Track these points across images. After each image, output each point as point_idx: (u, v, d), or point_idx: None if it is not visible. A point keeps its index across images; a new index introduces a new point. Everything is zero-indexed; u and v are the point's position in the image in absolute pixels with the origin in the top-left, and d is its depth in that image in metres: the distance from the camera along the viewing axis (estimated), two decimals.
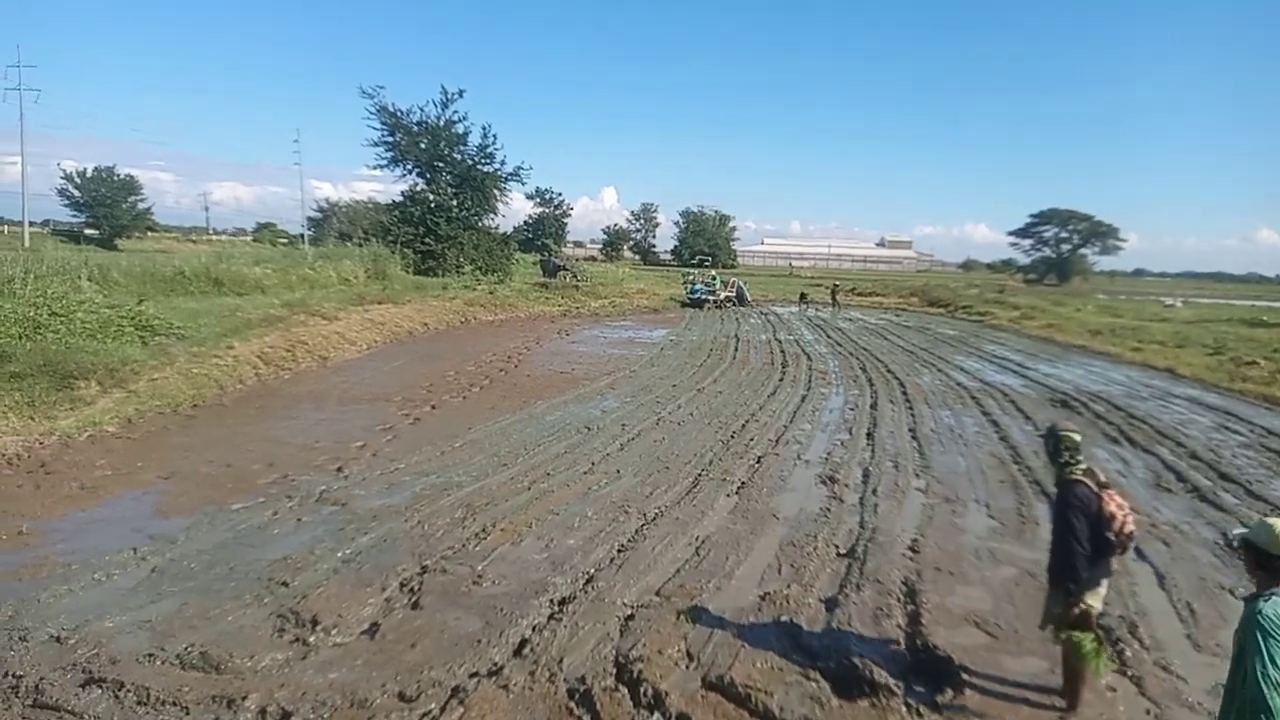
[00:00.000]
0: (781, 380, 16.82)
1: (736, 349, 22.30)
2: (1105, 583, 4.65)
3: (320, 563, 6.50)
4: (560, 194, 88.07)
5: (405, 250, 34.67)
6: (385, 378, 15.91)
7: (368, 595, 5.93)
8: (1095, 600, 4.59)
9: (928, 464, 10.37)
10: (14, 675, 4.66)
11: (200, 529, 7.25)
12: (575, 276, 40.79)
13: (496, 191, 39.78)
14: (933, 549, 7.33)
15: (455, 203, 38.06)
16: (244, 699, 4.50)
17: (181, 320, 15.88)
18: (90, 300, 15.35)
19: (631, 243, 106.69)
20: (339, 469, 9.32)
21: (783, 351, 21.88)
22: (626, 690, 4.73)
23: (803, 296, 42.37)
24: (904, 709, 4.65)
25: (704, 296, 38.60)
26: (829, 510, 8.38)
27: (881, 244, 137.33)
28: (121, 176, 75.71)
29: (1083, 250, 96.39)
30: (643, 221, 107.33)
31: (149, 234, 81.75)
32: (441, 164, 38.07)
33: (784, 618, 5.79)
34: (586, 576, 6.40)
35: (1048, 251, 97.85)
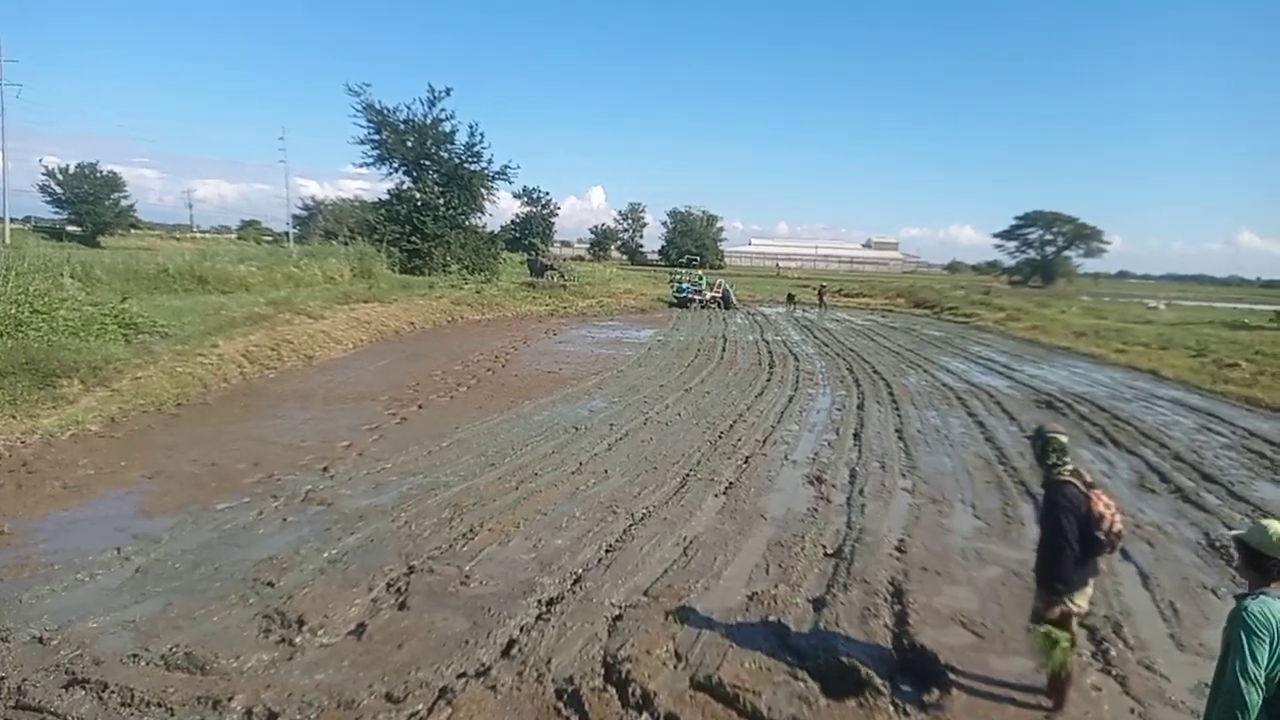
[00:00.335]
0: (769, 381, 16.86)
1: (724, 349, 22.33)
2: (1092, 582, 4.69)
3: (306, 563, 6.46)
4: (548, 193, 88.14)
5: (391, 249, 34.56)
6: (371, 377, 15.83)
7: (354, 596, 5.90)
8: (1082, 600, 4.63)
9: (914, 464, 10.42)
10: None
11: (185, 528, 7.19)
12: (563, 276, 40.70)
13: (484, 190, 39.73)
14: (919, 549, 7.36)
15: (442, 201, 37.96)
16: (230, 700, 4.47)
17: (165, 318, 15.76)
18: (73, 298, 15.19)
19: (619, 242, 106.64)
20: (325, 469, 9.26)
21: (770, 352, 21.93)
22: (614, 690, 4.72)
23: (790, 297, 42.47)
24: (891, 708, 4.67)
25: (690, 296, 38.76)
26: (816, 510, 8.40)
27: (868, 245, 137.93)
28: (104, 173, 74.87)
29: (1067, 252, 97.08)
30: (630, 221, 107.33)
31: (132, 231, 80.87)
32: (428, 162, 37.99)
33: (772, 618, 5.80)
34: (574, 577, 6.39)
35: (1033, 253, 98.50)
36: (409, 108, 37.54)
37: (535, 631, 5.40)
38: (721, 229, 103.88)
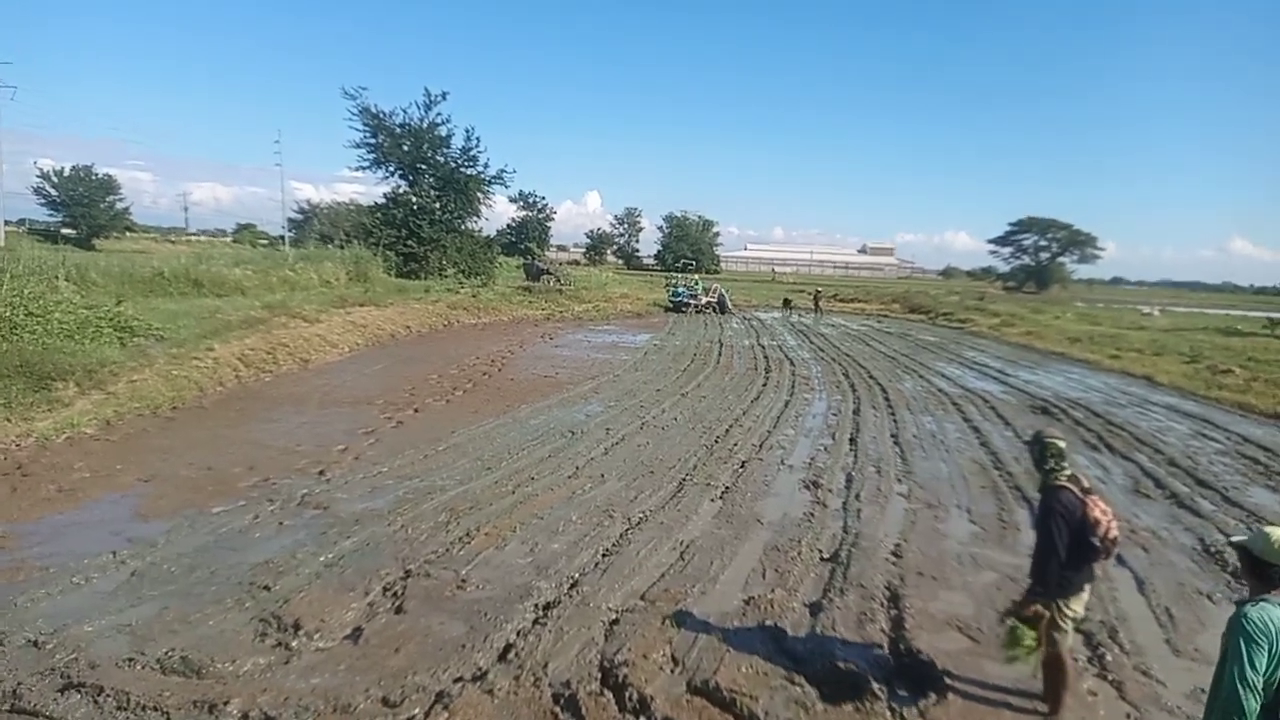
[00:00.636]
0: (765, 385, 16.87)
1: (720, 354, 22.35)
2: (1088, 588, 4.70)
3: (302, 567, 6.45)
4: (544, 198, 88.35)
5: (387, 253, 34.48)
6: (367, 381, 15.81)
7: (350, 599, 5.89)
8: (1078, 605, 4.64)
9: (910, 469, 10.43)
10: None
11: (180, 532, 7.17)
12: (559, 280, 40.68)
13: (480, 194, 39.62)
14: (915, 554, 7.38)
15: (438, 205, 37.90)
16: (226, 704, 4.46)
17: (160, 321, 15.71)
18: (67, 300, 15.13)
19: (615, 247, 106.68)
20: (321, 472, 9.25)
21: (766, 357, 21.95)
22: (611, 695, 4.72)
23: (786, 302, 42.56)
24: (888, 713, 4.68)
25: (686, 301, 38.83)
26: (812, 515, 8.41)
27: (863, 251, 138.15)
28: (99, 176, 74.66)
29: (1061, 258, 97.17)
30: (626, 226, 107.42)
31: (127, 234, 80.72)
32: (424, 166, 37.91)
33: (768, 622, 5.80)
34: (571, 581, 6.39)
35: (1027, 259, 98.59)
36: (405, 111, 37.49)
37: (532, 636, 5.40)
38: (717, 234, 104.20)
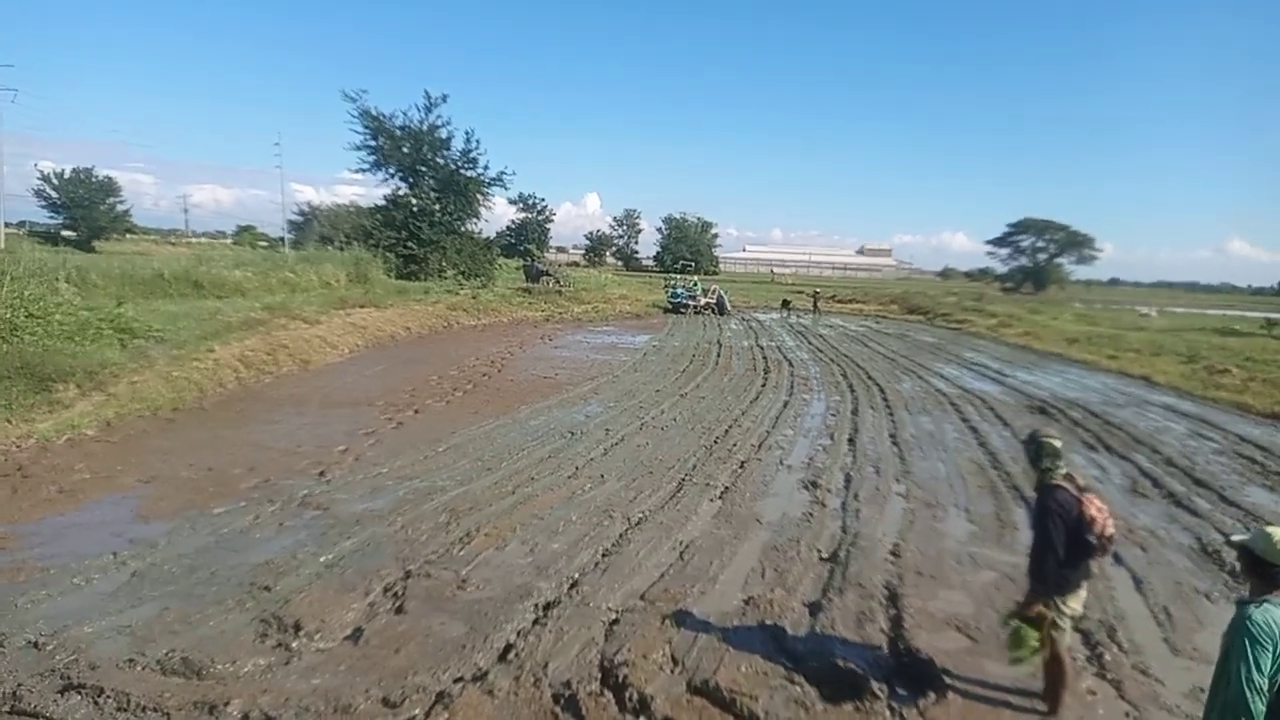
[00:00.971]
0: (764, 386, 16.90)
1: (719, 355, 22.36)
2: (1085, 585, 4.72)
3: (303, 567, 6.46)
4: (543, 199, 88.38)
5: (387, 254, 34.50)
6: (367, 382, 15.83)
7: (351, 600, 5.91)
8: (1075, 603, 4.67)
9: (908, 469, 10.45)
10: None
11: (181, 533, 7.18)
12: (558, 282, 40.70)
13: (479, 196, 39.65)
14: (914, 553, 7.39)
15: (438, 207, 37.94)
16: (226, 705, 4.47)
17: (161, 323, 15.72)
18: (68, 302, 15.14)
19: (614, 248, 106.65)
20: (321, 473, 9.26)
21: (765, 358, 21.97)
22: (612, 695, 4.74)
23: (785, 303, 42.59)
24: (887, 712, 4.69)
25: (685, 302, 38.90)
26: (811, 515, 8.43)
27: (861, 252, 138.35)
28: (100, 178, 74.62)
29: (1059, 259, 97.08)
30: (625, 227, 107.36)
31: (127, 236, 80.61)
32: (424, 168, 37.92)
33: (768, 622, 5.82)
34: (571, 581, 6.40)
35: (1025, 260, 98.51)
36: (405, 114, 37.51)
37: (532, 636, 5.41)
38: (716, 235, 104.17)
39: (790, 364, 20.86)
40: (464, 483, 8.99)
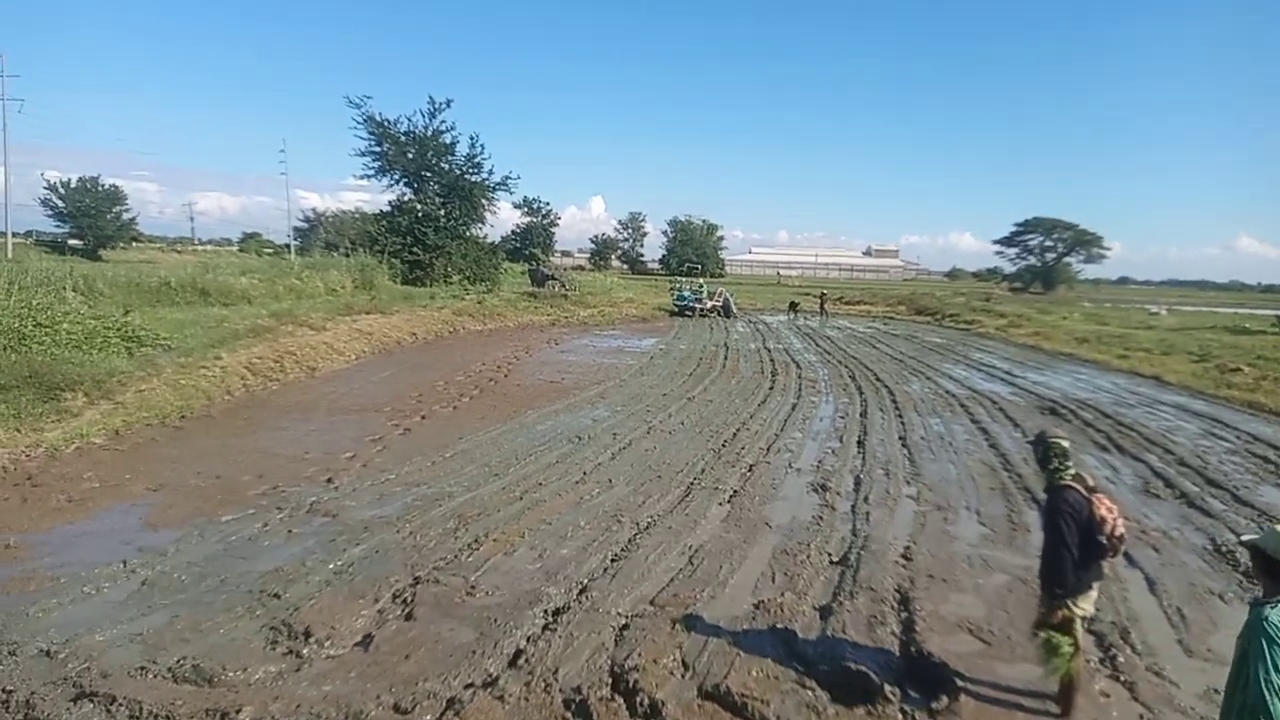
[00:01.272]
0: (771, 389, 16.87)
1: (726, 358, 22.34)
2: (1096, 586, 4.69)
3: (312, 574, 6.46)
4: (548, 203, 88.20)
5: (393, 260, 34.65)
6: (374, 388, 15.85)
7: (360, 607, 5.90)
8: (1087, 604, 4.63)
9: (918, 471, 10.41)
10: (4, 690, 4.61)
11: (190, 541, 7.19)
12: (564, 286, 40.77)
13: (484, 201, 39.77)
14: (925, 556, 7.35)
15: (443, 212, 38.06)
16: (237, 712, 4.46)
17: (168, 331, 15.80)
18: (75, 311, 15.22)
19: (619, 252, 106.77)
20: (329, 480, 9.27)
21: (772, 360, 21.94)
22: (622, 700, 4.72)
23: (792, 305, 42.54)
24: (900, 716, 4.66)
25: (691, 305, 38.89)
26: (821, 518, 8.39)
27: (868, 253, 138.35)
28: (106, 187, 75.13)
29: (1067, 259, 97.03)
30: (630, 231, 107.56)
31: (134, 244, 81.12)
32: (429, 174, 38.06)
33: (779, 626, 5.79)
34: (580, 586, 6.39)
35: (1033, 260, 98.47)
36: (409, 119, 37.65)
37: (542, 641, 5.40)
38: (722, 238, 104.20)
39: (797, 366, 20.82)
40: (472, 488, 8.99)
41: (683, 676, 5.03)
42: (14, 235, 63.08)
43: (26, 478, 8.91)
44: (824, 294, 44.97)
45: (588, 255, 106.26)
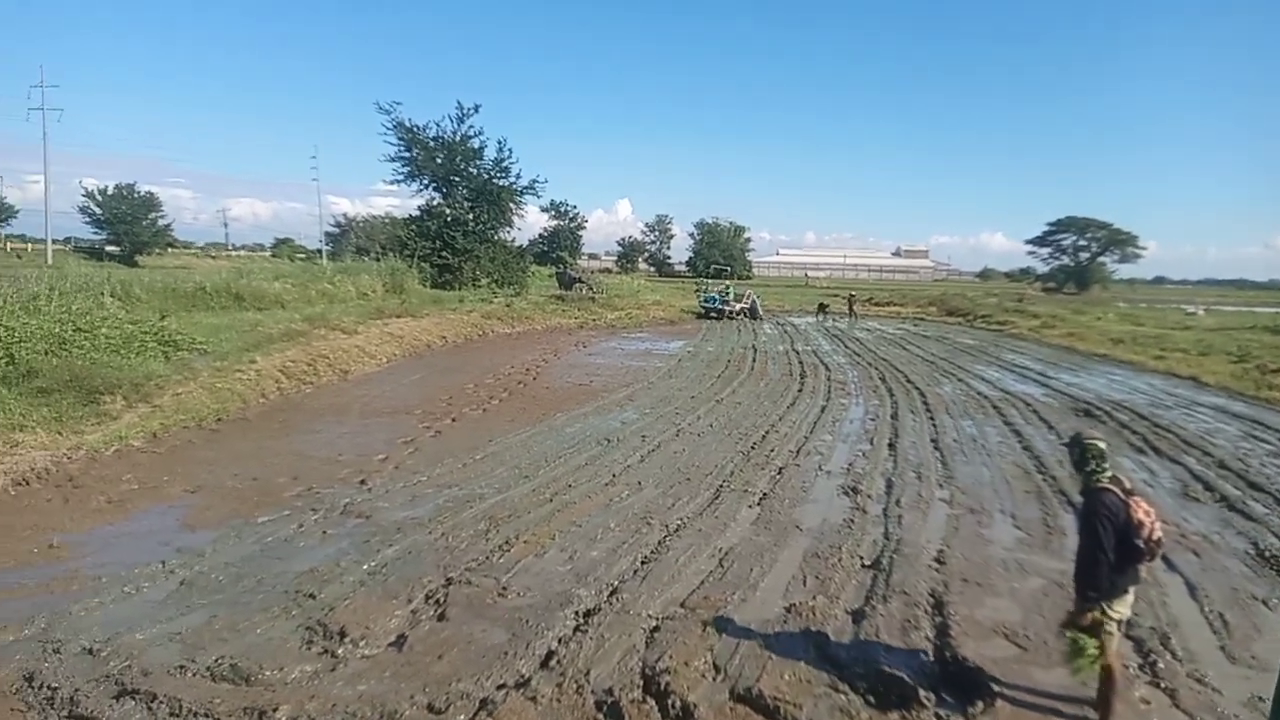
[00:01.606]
0: (800, 391, 16.78)
1: (754, 360, 22.26)
2: (1132, 590, 4.61)
3: (346, 575, 6.53)
4: (575, 206, 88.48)
5: (422, 264, 34.96)
6: (405, 391, 15.99)
7: (394, 607, 5.96)
8: (1123, 607, 4.55)
9: (951, 474, 10.31)
10: (49, 687, 4.72)
11: (227, 542, 7.31)
12: (591, 289, 40.83)
13: (512, 205, 40.03)
14: (959, 560, 7.28)
15: (471, 216, 38.37)
16: (274, 711, 4.53)
17: (203, 335, 16.06)
18: (114, 316, 15.54)
19: (646, 254, 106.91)
20: (362, 481, 9.37)
21: (800, 362, 21.83)
22: (654, 702, 4.72)
23: (822, 307, 42.26)
24: None
25: (718, 307, 38.80)
26: (852, 521, 8.33)
27: (897, 254, 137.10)
28: (142, 194, 76.56)
29: (1102, 258, 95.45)
30: (657, 233, 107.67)
31: (169, 250, 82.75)
32: (457, 178, 38.39)
33: (811, 629, 5.76)
34: (611, 588, 6.40)
35: (1066, 260, 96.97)
36: (438, 125, 38.00)
37: (574, 643, 5.41)
38: (749, 239, 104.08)
39: (826, 368, 20.70)
40: (502, 490, 9.04)
41: (714, 679, 5.02)
42: (53, 242, 64.66)
43: (68, 479, 9.10)
44: (852, 295, 44.65)
45: (615, 258, 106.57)
